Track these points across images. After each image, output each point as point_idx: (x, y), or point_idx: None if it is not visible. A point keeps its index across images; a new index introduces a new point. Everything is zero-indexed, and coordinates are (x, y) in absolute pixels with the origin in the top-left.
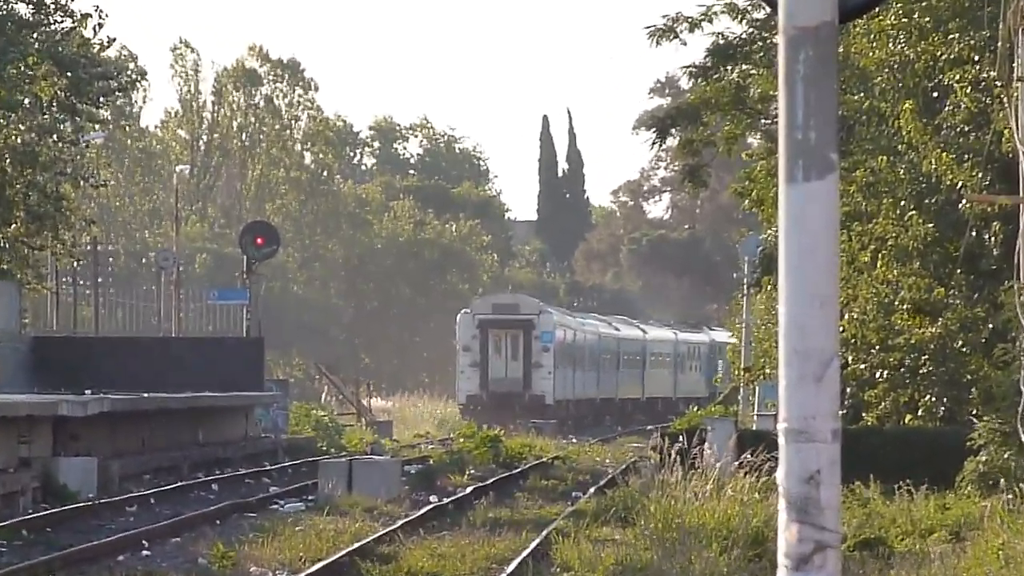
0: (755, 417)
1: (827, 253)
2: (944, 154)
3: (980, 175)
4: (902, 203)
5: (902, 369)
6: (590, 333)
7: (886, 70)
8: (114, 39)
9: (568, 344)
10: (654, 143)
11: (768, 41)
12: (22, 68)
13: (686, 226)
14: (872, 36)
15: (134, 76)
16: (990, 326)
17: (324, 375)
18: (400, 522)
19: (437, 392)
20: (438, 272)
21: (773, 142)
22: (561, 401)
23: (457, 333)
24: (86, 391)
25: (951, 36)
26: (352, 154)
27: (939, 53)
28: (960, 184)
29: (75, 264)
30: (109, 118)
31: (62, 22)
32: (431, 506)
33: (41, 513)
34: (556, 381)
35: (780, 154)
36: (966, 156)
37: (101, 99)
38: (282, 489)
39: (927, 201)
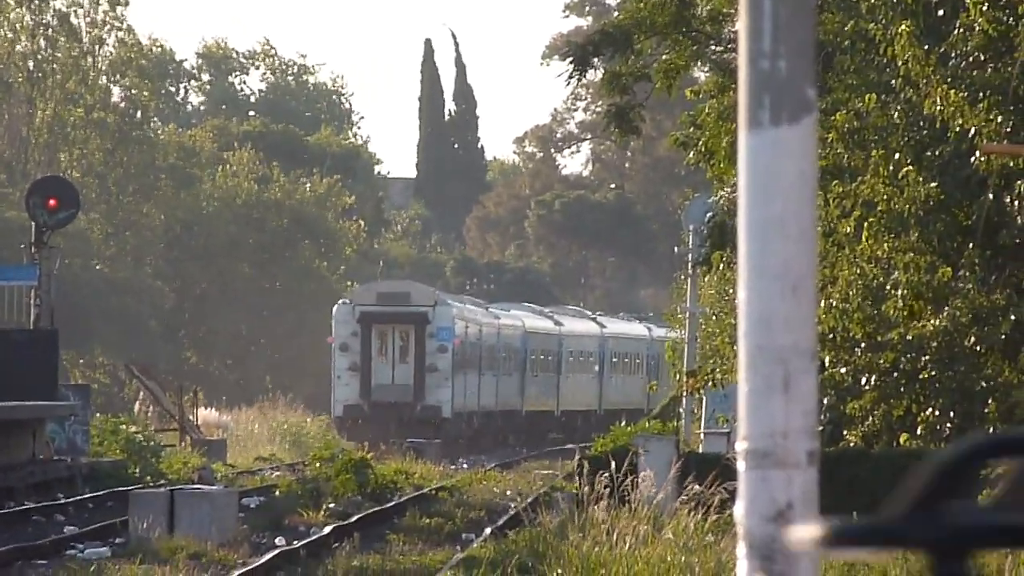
0: (702, 436)
1: (801, 220)
2: (952, 92)
3: (1000, 119)
4: (896, 156)
5: (896, 374)
6: (502, 328)
7: None
8: None
9: (472, 343)
10: (571, 77)
11: None
12: None
13: (612, 186)
14: None
15: None
16: (1012, 318)
17: (137, 379)
18: (236, 572)
19: (286, 402)
20: (287, 244)
21: (729, 75)
22: (461, 414)
23: (333, 328)
24: None
25: None
26: (175, 90)
27: None
28: (973, 131)
29: None
30: None
31: None
32: (277, 551)
33: None
34: (455, 389)
35: (740, 90)
36: (981, 94)
37: None
38: (81, 529)
39: (929, 153)
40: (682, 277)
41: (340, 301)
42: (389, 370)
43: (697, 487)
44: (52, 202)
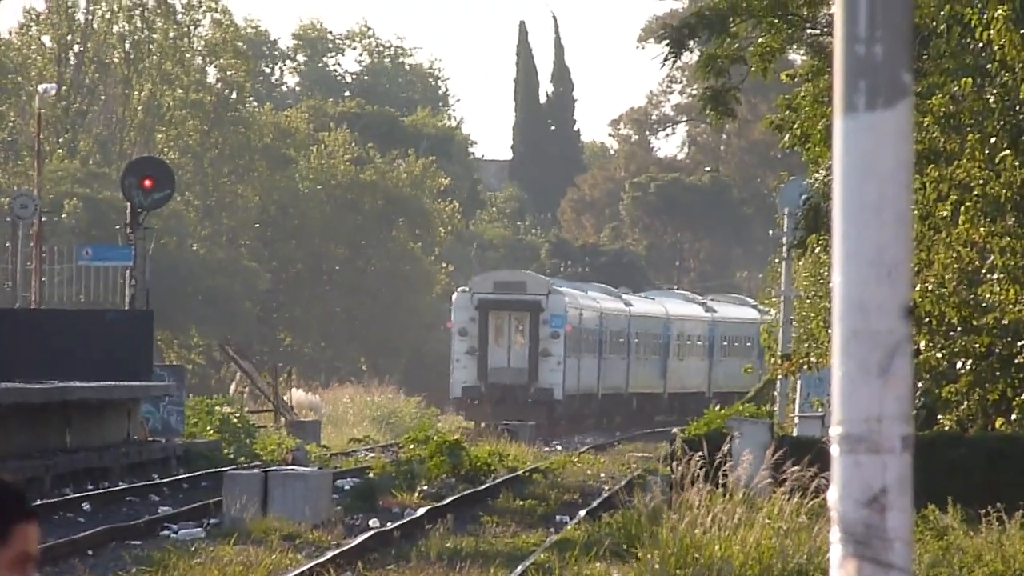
0: (796, 420)
1: (897, 205)
2: None
3: None
4: (992, 140)
5: (991, 358)
6: (610, 314)
7: None
8: None
9: (582, 329)
10: (666, 59)
11: None
12: None
13: (707, 168)
14: None
15: None
16: None
17: (232, 360)
18: (330, 553)
19: (380, 383)
20: (382, 226)
21: (825, 59)
22: (573, 396)
23: (452, 314)
24: None
25: None
26: (270, 70)
27: None
28: None
29: None
30: None
31: None
32: (371, 532)
33: None
34: (567, 373)
35: (835, 74)
36: None
37: None
38: (176, 510)
39: None
40: (776, 260)
41: (460, 289)
42: (505, 354)
43: (792, 471)
44: (148, 183)
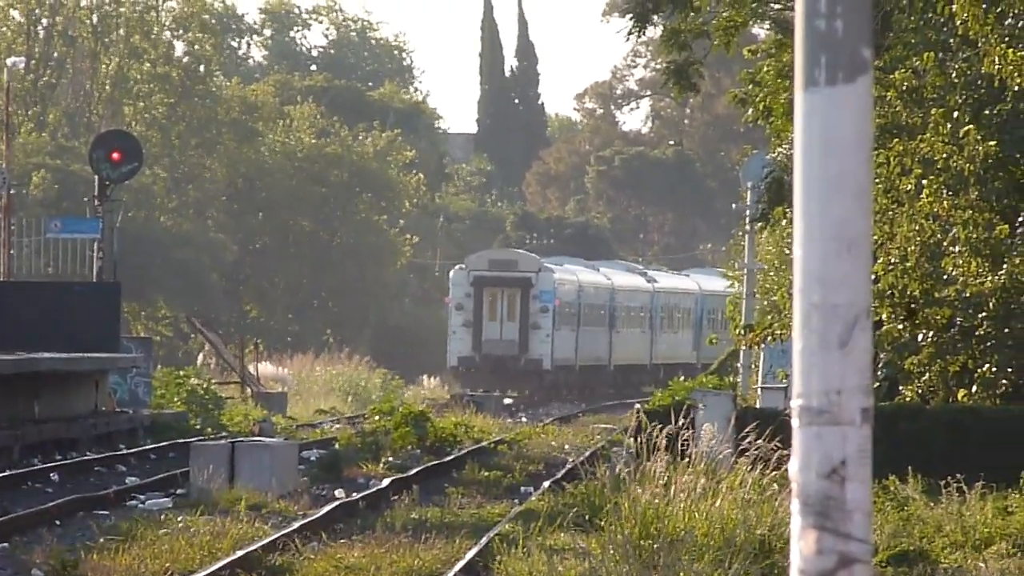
0: (759, 391)
1: (858, 179)
2: (1011, 51)
3: None
4: (955, 114)
5: (953, 330)
6: (599, 288)
7: None
8: None
9: (571, 303)
10: (630, 33)
11: None
12: None
13: (671, 142)
14: None
15: None
16: None
17: (199, 332)
18: (297, 524)
19: (346, 355)
20: (348, 198)
21: (788, 33)
22: (562, 367)
23: (450, 290)
24: None
25: None
26: (237, 45)
27: None
28: None
29: None
30: None
31: None
32: (337, 503)
33: None
34: (555, 345)
35: (796, 49)
36: None
37: None
38: (143, 480)
39: (988, 112)
40: (740, 233)
41: (457, 266)
42: (498, 327)
43: (753, 442)
44: (115, 156)
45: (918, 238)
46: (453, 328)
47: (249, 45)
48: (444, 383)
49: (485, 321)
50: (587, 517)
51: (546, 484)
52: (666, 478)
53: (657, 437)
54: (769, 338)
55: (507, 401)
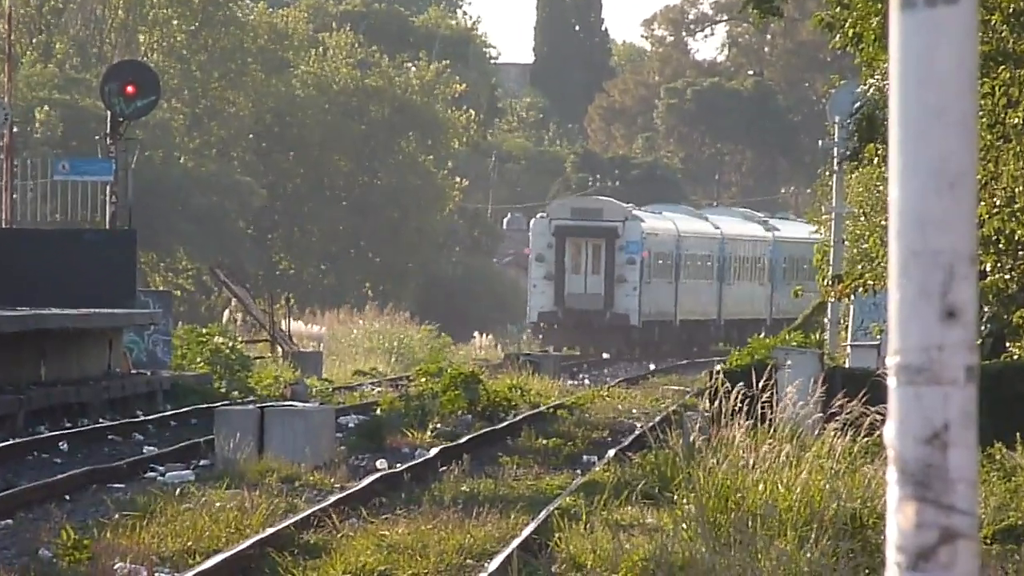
0: (849, 349)
1: (960, 111)
2: None
3: None
4: None
5: None
6: (702, 238)
7: None
8: None
9: (665, 254)
10: None
11: None
12: None
13: (750, 72)
14: None
15: None
16: None
17: (224, 285)
18: (333, 498)
19: (388, 310)
20: (390, 136)
21: None
22: (654, 322)
23: (530, 240)
24: None
25: None
26: None
27: None
28: None
29: None
30: None
31: None
32: (378, 475)
33: None
34: (643, 299)
35: None
36: None
37: None
38: (162, 450)
39: None
40: (827, 174)
41: (538, 215)
42: (582, 280)
43: (843, 405)
44: (130, 89)
45: None
46: (533, 281)
47: None
48: (508, 342)
49: (568, 273)
50: (657, 489)
51: (611, 453)
52: (745, 446)
53: (735, 401)
54: (860, 289)
55: (605, 356)
